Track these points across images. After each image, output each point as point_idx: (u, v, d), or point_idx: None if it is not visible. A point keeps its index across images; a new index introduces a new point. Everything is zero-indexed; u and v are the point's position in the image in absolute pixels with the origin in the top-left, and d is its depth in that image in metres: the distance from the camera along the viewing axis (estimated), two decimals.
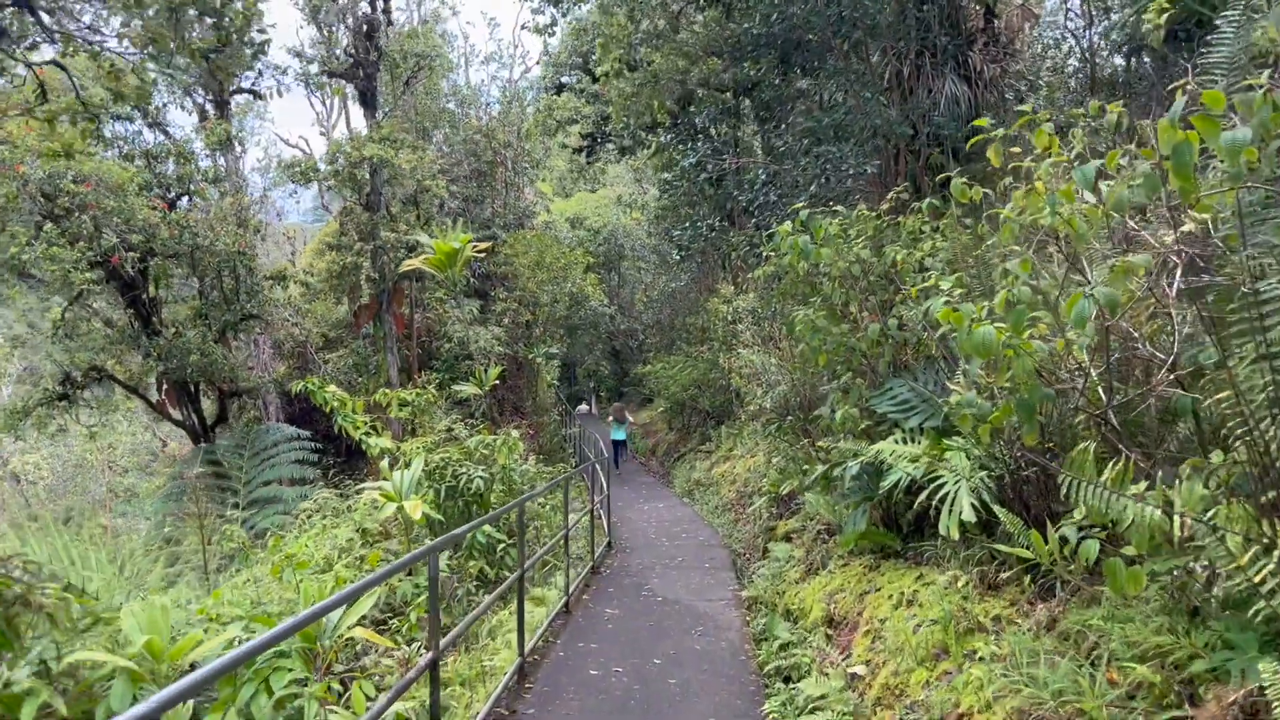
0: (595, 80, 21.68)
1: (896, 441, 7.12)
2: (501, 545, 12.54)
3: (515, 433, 13.43)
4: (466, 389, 20.67)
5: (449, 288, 18.29)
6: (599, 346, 42.17)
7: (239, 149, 23.01)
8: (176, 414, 20.61)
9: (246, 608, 8.33)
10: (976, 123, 4.92)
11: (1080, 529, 4.93)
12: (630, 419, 27.19)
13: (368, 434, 13.29)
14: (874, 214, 7.69)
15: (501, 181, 26.94)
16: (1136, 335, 4.59)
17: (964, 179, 5.25)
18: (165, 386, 20.41)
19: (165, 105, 20.54)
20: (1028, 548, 5.30)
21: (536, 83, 23.22)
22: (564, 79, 22.38)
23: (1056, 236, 4.46)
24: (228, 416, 21.67)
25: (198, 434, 20.90)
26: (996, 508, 5.68)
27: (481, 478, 12.67)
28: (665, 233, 25.87)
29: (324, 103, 31.47)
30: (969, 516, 5.62)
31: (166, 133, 21.08)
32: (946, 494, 5.98)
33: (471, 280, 24.45)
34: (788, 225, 7.59)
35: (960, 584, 5.94)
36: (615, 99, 19.09)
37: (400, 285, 20.75)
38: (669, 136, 17.77)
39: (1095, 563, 4.38)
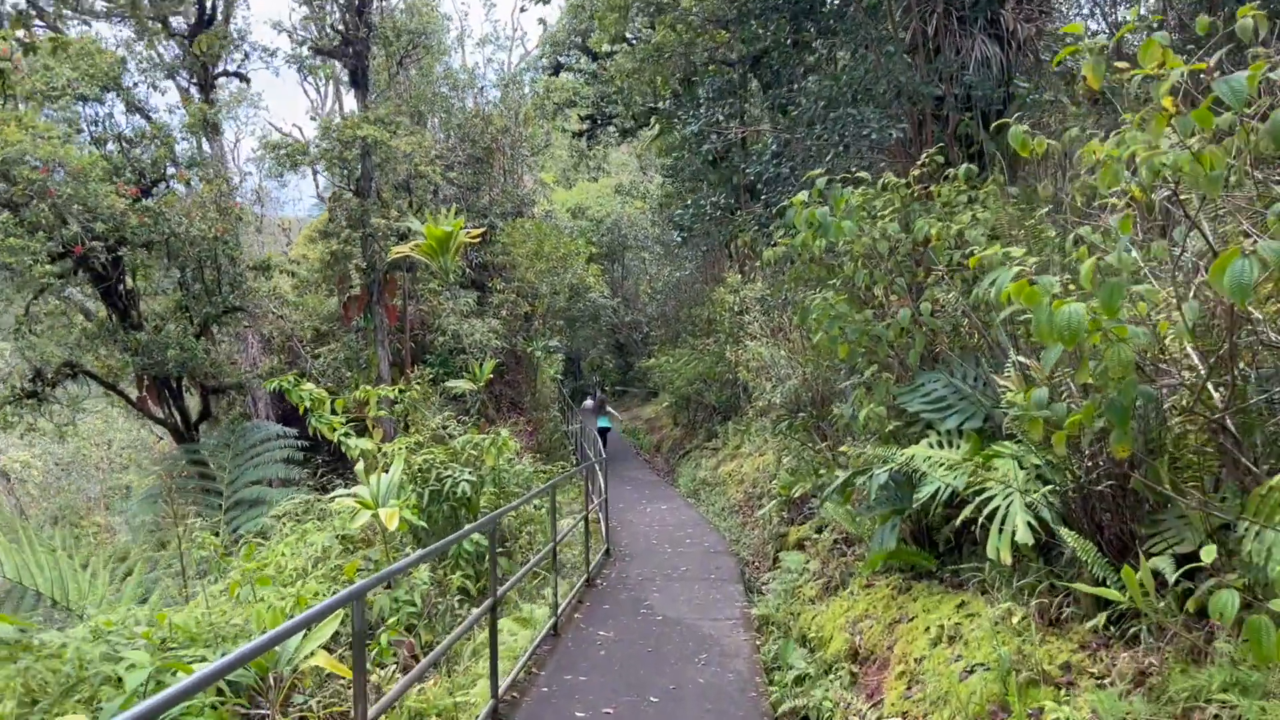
0: (595, 59, 20.67)
1: (931, 445, 6.11)
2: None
3: (505, 431, 12.38)
4: (460, 384, 19.73)
5: (442, 277, 17.28)
6: (603, 340, 41.21)
7: (225, 134, 21.94)
8: (158, 411, 19.68)
9: (194, 631, 7.41)
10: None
11: (1179, 559, 3.93)
12: (613, 411, 29.07)
13: (347, 434, 12.34)
14: (903, 183, 6.66)
15: (499, 168, 25.94)
16: (1259, 318, 3.57)
17: (1000, 147, 4.23)
18: (146, 383, 19.49)
19: (140, 85, 19.52)
20: (1104, 581, 4.28)
21: (534, 63, 22.14)
22: (562, 59, 21.33)
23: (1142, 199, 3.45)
24: (211, 413, 20.74)
25: (180, 432, 19.97)
26: (1061, 529, 4.67)
27: (468, 481, 11.69)
28: (669, 219, 24.83)
29: (318, 90, 30.56)
30: (1024, 538, 4.61)
31: (147, 115, 20.08)
32: (996, 510, 4.98)
33: (468, 271, 23.48)
34: (803, 195, 6.58)
35: (1015, 620, 4.93)
36: (615, 75, 18.08)
37: (392, 276, 19.78)
38: (670, 105, 16.43)
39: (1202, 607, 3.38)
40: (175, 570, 15.69)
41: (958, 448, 6.01)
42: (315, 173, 18.11)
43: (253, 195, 30.42)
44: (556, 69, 21.33)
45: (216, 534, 15.50)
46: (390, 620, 9.27)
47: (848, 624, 6.58)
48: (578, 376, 45.18)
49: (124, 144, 17.16)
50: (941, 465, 5.75)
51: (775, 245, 8.12)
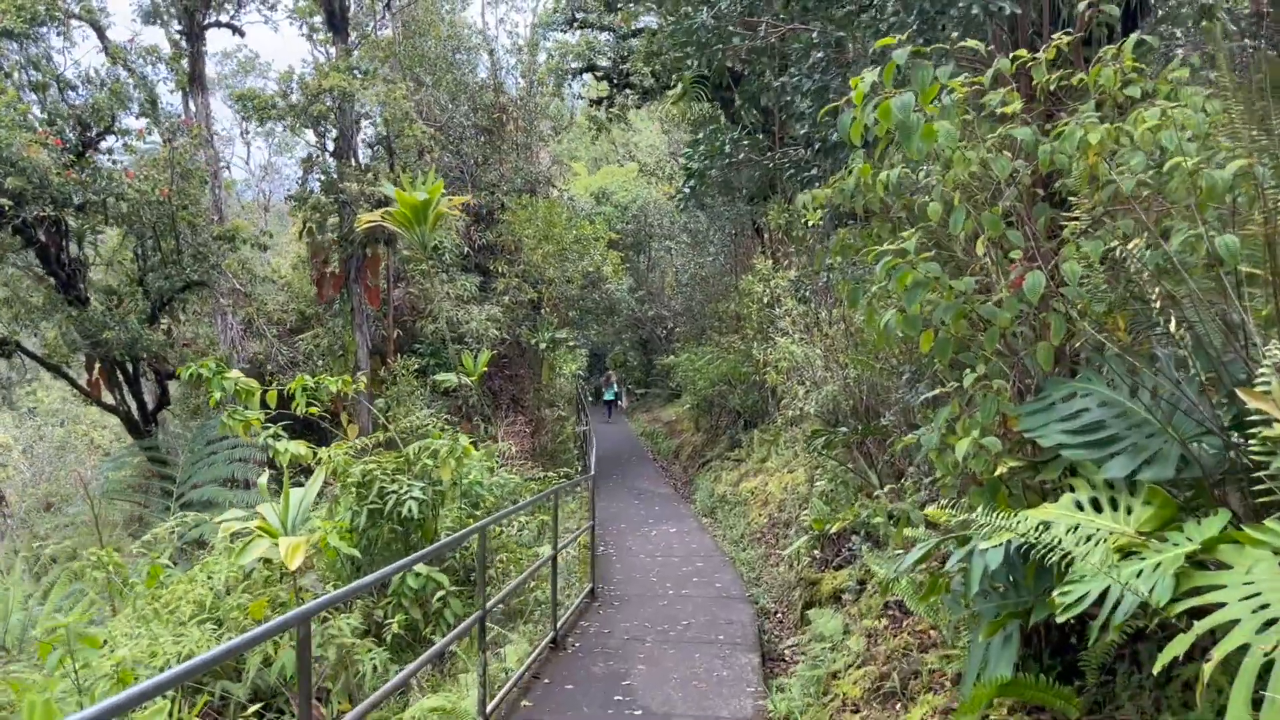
0: (613, 9, 18.20)
1: (1079, 505, 3.54)
2: (442, 592, 9.15)
3: (465, 438, 9.90)
4: (450, 378, 17.31)
5: (420, 252, 14.86)
6: (627, 335, 38.71)
7: (216, 93, 19.63)
8: (109, 398, 17.46)
9: None
10: None
11: None
12: (616, 385, 35.12)
13: (276, 435, 9.95)
14: (1037, 58, 4.05)
15: (511, 141, 23.48)
16: None
17: None
18: (98, 366, 17.28)
19: (113, 25, 17.24)
20: None
21: (547, 19, 19.65)
22: (579, 14, 18.87)
23: None
24: (170, 402, 18.48)
25: (135, 423, 17.73)
26: None
27: (416, 498, 9.22)
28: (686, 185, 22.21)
29: (326, 51, 28.11)
30: None
31: (127, 64, 17.71)
32: (1235, 649, 2.45)
33: (469, 252, 21.07)
34: (867, 77, 4.01)
35: None
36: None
37: (375, 252, 17.39)
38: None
39: None
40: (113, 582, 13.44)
41: (1128, 510, 3.43)
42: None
43: (234, 160, 28.27)
44: (571, 21, 18.85)
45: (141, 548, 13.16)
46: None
47: None
48: (600, 372, 42.84)
49: (62, 88, 14.88)
50: (1103, 546, 3.18)
51: (818, 187, 5.58)
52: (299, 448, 9.87)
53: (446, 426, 16.86)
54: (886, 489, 9.84)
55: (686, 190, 9.10)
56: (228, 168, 20.72)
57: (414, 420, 16.27)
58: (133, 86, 17.43)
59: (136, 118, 15.63)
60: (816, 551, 10.05)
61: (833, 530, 9.80)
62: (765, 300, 16.77)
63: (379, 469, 9.64)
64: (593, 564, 10.49)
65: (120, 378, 17.33)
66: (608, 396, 35.40)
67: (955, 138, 3.78)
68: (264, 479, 8.41)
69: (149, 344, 15.40)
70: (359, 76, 14.72)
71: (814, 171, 9.14)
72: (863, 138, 4.45)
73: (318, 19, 16.30)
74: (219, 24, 19.87)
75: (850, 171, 5.48)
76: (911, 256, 4.04)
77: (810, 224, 13.85)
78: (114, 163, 15.88)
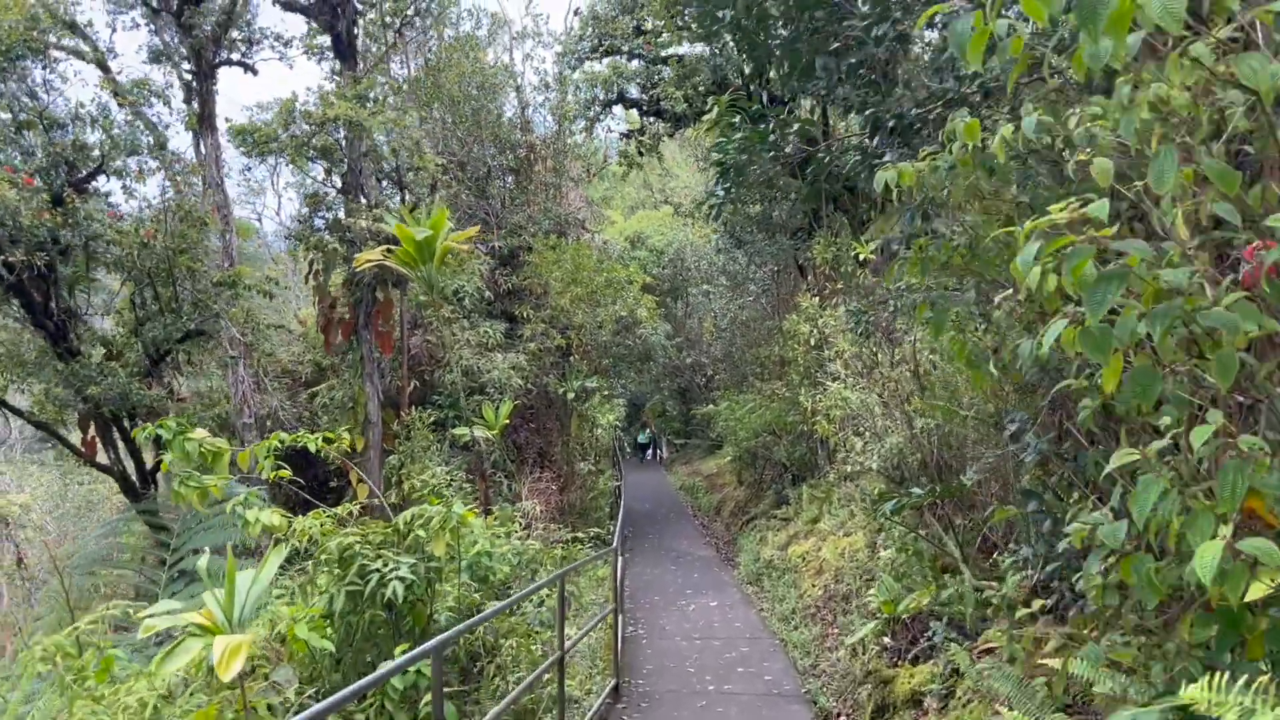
0: (641, 32, 16.95)
1: None
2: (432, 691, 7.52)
3: (460, 506, 8.32)
4: (470, 431, 15.87)
5: (424, 292, 13.47)
6: (664, 384, 37.20)
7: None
8: (104, 458, 16.19)
9: None
10: None
11: None
12: (652, 430, 36.05)
13: (246, 502, 8.56)
14: None
15: (539, 182, 22.23)
16: None
17: None
18: (92, 425, 16.06)
19: (118, 56, 16.27)
20: None
21: (572, 45, 18.44)
22: (604, 40, 17.62)
23: None
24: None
25: (132, 484, 16.42)
26: None
27: (402, 578, 7.68)
28: (730, 233, 20.72)
29: (335, 82, 27.23)
30: None
31: (130, 103, 16.68)
32: None
33: (489, 296, 19.70)
34: None
35: None
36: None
37: (387, 295, 16.06)
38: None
39: None
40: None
41: None
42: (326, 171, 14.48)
43: (264, 210, 27.29)
44: (597, 47, 17.60)
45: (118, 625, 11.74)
46: None
47: None
48: (636, 423, 41.40)
49: (50, 126, 13.80)
50: None
51: (894, 166, 4.08)
52: (272, 517, 8.45)
53: (462, 485, 15.47)
54: (971, 564, 8.15)
55: (719, 194, 7.34)
56: (258, 219, 19.58)
57: (428, 478, 14.84)
58: (142, 130, 16.46)
59: (128, 155, 14.45)
60: (887, 639, 8.33)
61: (907, 614, 8.12)
62: (812, 342, 15.21)
63: (361, 542, 8.13)
64: (617, 654, 8.85)
65: (115, 435, 16.08)
66: (642, 439, 37.05)
67: (1179, 16, 2.21)
68: (203, 560, 6.91)
69: (141, 398, 14.11)
70: (368, 106, 13.51)
71: (885, 157, 7.42)
72: (981, 67, 2.89)
73: (324, 39, 15.13)
74: (230, 62, 18.87)
75: (947, 142, 3.97)
76: (1092, 233, 2.45)
77: (860, 258, 12.13)
78: (109, 205, 14.78)
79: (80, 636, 8.58)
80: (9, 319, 14.87)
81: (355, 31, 14.61)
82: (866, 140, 7.13)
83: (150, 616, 6.10)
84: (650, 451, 40.41)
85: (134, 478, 16.62)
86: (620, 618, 10.45)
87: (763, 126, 7.15)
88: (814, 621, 11.01)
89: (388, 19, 15.98)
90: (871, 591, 9.00)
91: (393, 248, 12.41)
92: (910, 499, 7.69)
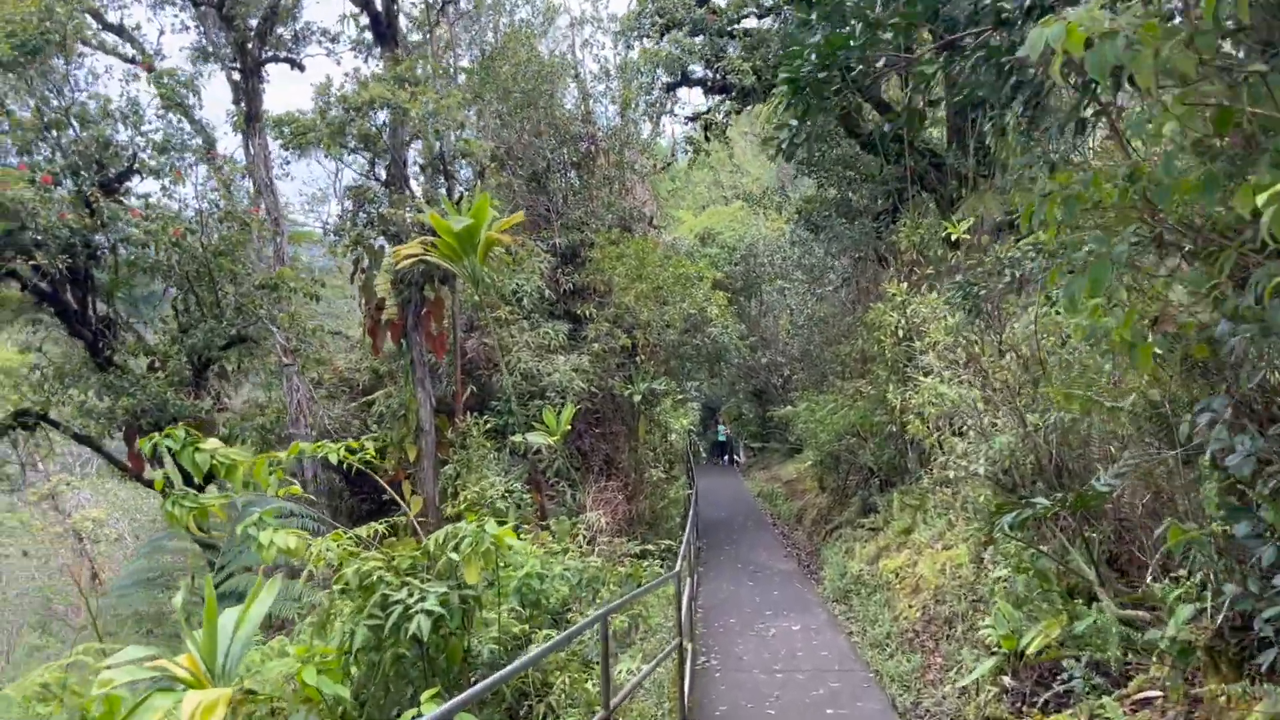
0: (705, 4, 15.70)
1: None
2: None
3: (493, 524, 7.14)
4: (531, 438, 14.81)
5: (472, 287, 12.40)
6: (739, 386, 35.79)
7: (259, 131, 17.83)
8: (152, 472, 15.54)
9: None
10: None
11: None
12: (727, 430, 36.02)
13: (257, 523, 7.55)
14: None
15: (601, 175, 21.13)
16: None
17: None
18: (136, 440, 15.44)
19: (163, 59, 15.67)
20: None
21: (630, 21, 17.24)
22: (661, 15, 16.38)
23: None
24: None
25: None
26: None
27: (429, 610, 6.56)
28: (806, 220, 19.34)
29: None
30: None
31: (186, 111, 16.05)
32: None
33: (552, 296, 18.62)
34: None
35: None
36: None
37: (438, 295, 15.07)
38: None
39: None
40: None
41: None
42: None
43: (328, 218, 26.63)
44: (666, 28, 16.37)
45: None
46: None
47: None
48: (710, 427, 40.13)
49: (85, 124, 13.11)
50: None
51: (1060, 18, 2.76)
52: (287, 539, 7.40)
53: (522, 496, 14.38)
54: (1109, 588, 6.70)
55: (792, 125, 5.75)
56: (321, 228, 18.80)
57: (484, 488, 13.81)
58: (188, 131, 15.82)
59: (159, 153, 13.69)
60: (1007, 678, 6.92)
61: (1032, 649, 6.70)
62: (900, 334, 13.75)
63: (385, 568, 7.04)
64: (684, 695, 7.59)
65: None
66: (719, 438, 36.96)
67: None
68: (179, 598, 5.88)
69: (180, 409, 13.35)
70: (409, 88, 12.52)
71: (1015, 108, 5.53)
72: None
73: (369, 35, 14.20)
74: (276, 59, 18.19)
75: None
76: None
77: (953, 238, 10.56)
78: (147, 207, 14.10)
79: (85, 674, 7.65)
80: (49, 329, 14.34)
81: (395, 10, 13.63)
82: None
83: (112, 667, 5.06)
84: (726, 455, 39.17)
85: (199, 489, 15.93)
86: (691, 645, 9.22)
87: (845, 30, 5.53)
88: (912, 649, 9.61)
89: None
90: (986, 622, 7.57)
91: (432, 240, 11.42)
92: (1035, 510, 6.27)
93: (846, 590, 13.02)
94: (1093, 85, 3.84)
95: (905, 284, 13.98)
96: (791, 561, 16.68)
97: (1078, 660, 6.16)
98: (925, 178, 15.86)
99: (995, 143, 12.82)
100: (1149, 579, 6.03)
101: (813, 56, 4.78)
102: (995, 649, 7.05)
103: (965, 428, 10.24)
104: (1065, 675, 6.19)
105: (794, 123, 5.28)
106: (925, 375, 11.89)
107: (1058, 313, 8.21)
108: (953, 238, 12.76)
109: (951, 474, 9.23)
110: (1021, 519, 6.33)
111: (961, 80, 5.01)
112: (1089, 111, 5.07)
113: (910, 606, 10.58)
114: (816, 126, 5.47)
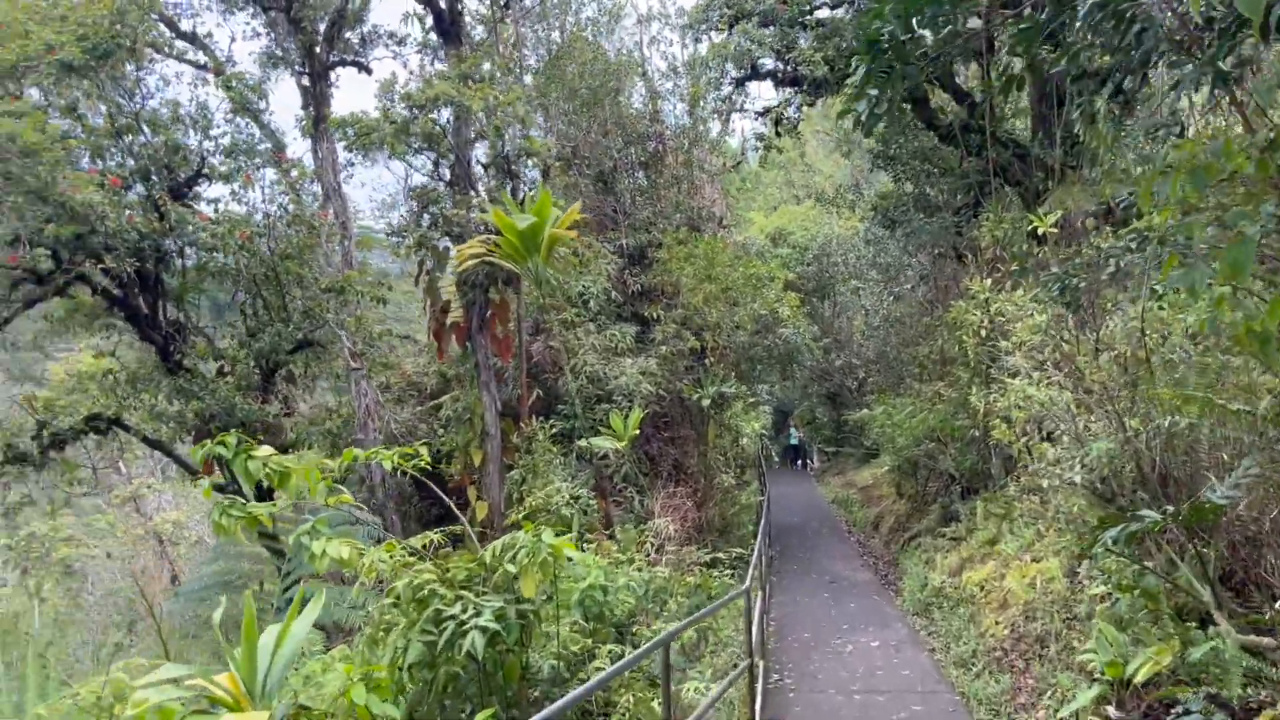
0: None
1: None
2: None
3: (550, 534, 6.76)
4: (597, 443, 14.46)
5: (535, 287, 12.08)
6: (812, 389, 35.06)
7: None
8: (220, 478, 15.60)
9: None
10: None
11: None
12: (800, 432, 36.86)
13: (312, 533, 7.33)
14: None
15: (670, 175, 20.75)
16: None
17: None
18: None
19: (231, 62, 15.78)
20: None
21: (698, 14, 16.80)
22: (729, 6, 15.87)
23: None
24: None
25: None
26: None
27: (484, 627, 6.21)
28: (883, 216, 18.70)
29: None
30: None
31: (255, 114, 16.12)
32: None
33: (619, 298, 18.29)
34: None
35: None
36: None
37: (503, 296, 14.82)
38: None
39: None
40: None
41: None
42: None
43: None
44: (735, 20, 15.88)
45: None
46: None
47: None
48: (781, 430, 39.39)
49: (156, 129, 13.19)
50: None
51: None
52: (340, 549, 7.16)
53: (589, 502, 14.04)
54: (1225, 609, 6.06)
55: (871, 94, 5.14)
56: (386, 232, 18.77)
57: (550, 493, 13.51)
58: (258, 136, 15.89)
59: (227, 155, 13.72)
60: (1112, 708, 6.30)
61: (1140, 678, 6.09)
62: (983, 333, 13.07)
63: (439, 581, 6.72)
64: (761, 693, 7.11)
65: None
66: (792, 441, 37.22)
67: None
68: (218, 613, 5.61)
69: (248, 413, 13.32)
70: (472, 85, 12.29)
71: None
72: None
73: (428, 18, 14.00)
74: (344, 62, 18.19)
75: None
76: None
77: (1039, 233, 9.90)
78: (216, 212, 14.13)
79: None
80: (122, 334, 14.46)
81: (459, 8, 13.43)
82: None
83: (147, 687, 4.81)
84: (799, 459, 38.41)
85: (250, 497, 15.95)
86: (762, 662, 8.74)
87: None
88: (1001, 669, 8.98)
89: None
90: (1084, 644, 6.95)
91: (494, 238, 11.13)
92: (1144, 524, 5.67)
93: (927, 603, 12.38)
94: (1234, 29, 3.28)
95: (988, 281, 13.30)
96: (868, 571, 16.04)
97: (1194, 692, 5.54)
98: (1008, 170, 15.14)
99: (1085, 130, 12.11)
100: (1277, 602, 5.40)
101: (894, 16, 4.33)
102: (1098, 676, 6.44)
103: (1057, 432, 9.59)
104: (1180, 709, 5.58)
105: (873, 92, 4.78)
106: (1011, 377, 11.23)
107: (1162, 307, 7.56)
108: (1039, 232, 12.09)
109: (1045, 483, 8.59)
110: (1128, 534, 5.74)
111: (1071, 38, 4.45)
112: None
113: (997, 623, 9.93)
114: (899, 95, 4.90)
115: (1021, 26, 4.63)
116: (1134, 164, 11.12)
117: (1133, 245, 5.90)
